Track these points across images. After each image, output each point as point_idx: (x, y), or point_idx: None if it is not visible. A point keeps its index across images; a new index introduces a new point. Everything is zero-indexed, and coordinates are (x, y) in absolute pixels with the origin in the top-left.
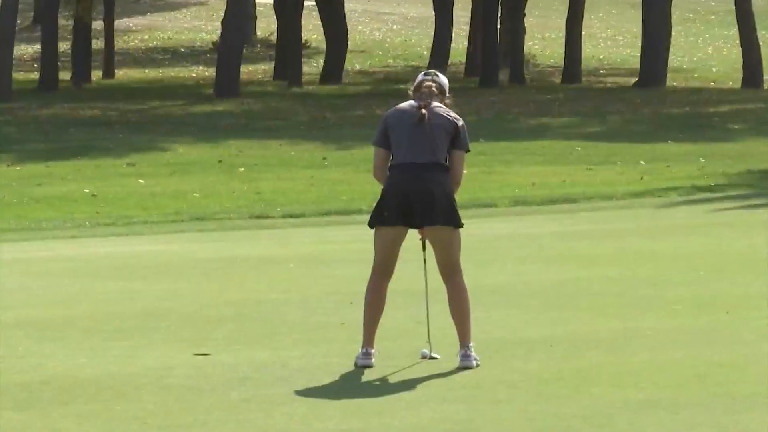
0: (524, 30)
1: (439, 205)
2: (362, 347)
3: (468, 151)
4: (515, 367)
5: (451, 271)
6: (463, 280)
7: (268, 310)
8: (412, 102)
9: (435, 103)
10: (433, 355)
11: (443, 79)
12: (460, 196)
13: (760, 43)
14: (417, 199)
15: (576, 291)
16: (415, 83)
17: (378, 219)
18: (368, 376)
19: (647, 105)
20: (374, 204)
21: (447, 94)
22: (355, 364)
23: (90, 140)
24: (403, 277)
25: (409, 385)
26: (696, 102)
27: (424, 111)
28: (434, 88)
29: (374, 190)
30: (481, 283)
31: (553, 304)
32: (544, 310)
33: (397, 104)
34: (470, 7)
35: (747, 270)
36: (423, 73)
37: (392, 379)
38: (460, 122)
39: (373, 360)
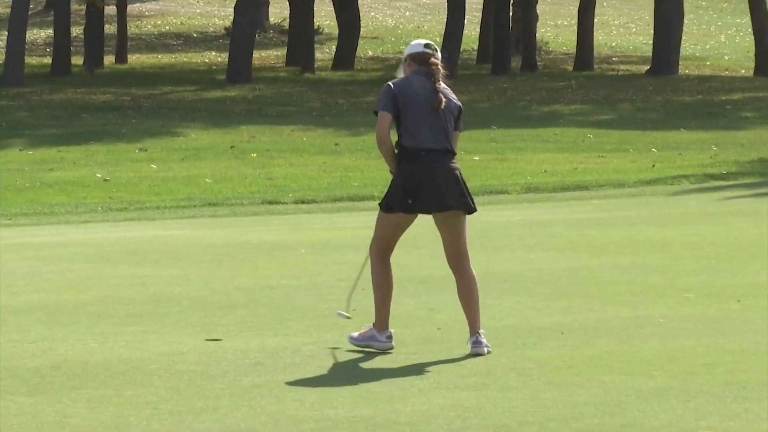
0: (536, 17)
1: (458, 191)
2: (380, 332)
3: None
4: (526, 355)
5: (460, 258)
6: (471, 266)
7: (280, 296)
8: (421, 77)
9: (442, 84)
10: (343, 312)
11: (440, 56)
12: (471, 182)
13: None
14: (435, 185)
15: (587, 279)
16: (414, 51)
17: (402, 207)
18: (379, 362)
19: (659, 93)
20: (390, 188)
21: None
22: (377, 349)
23: (102, 125)
24: (411, 264)
25: (420, 371)
26: (708, 90)
27: (442, 98)
28: (441, 66)
29: (385, 176)
30: (492, 271)
31: (564, 292)
32: (555, 298)
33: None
34: None
35: (758, 258)
36: (423, 44)
37: (403, 366)
38: (460, 104)
39: (392, 342)
